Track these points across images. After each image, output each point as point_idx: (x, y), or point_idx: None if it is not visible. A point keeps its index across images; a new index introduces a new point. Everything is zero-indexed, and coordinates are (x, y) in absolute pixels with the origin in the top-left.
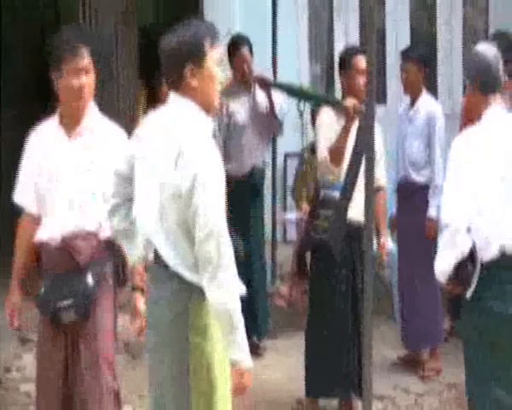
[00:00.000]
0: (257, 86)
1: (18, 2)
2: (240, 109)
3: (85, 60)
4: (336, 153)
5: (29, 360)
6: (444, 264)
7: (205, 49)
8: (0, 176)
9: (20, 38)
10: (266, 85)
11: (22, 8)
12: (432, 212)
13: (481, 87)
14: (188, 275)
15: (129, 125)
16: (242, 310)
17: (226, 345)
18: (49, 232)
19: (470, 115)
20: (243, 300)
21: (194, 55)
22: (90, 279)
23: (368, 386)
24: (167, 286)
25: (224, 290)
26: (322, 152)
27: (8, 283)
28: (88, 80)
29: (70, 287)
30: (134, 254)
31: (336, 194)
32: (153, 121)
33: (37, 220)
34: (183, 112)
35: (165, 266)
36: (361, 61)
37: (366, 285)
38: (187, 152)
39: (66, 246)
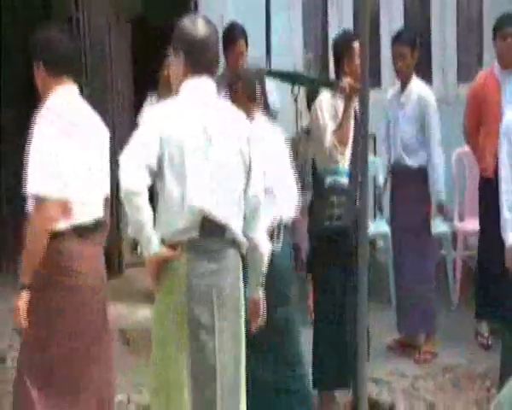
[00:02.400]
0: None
1: (18, 3)
2: None
3: None
4: (341, 135)
5: None
6: None
7: None
8: None
9: (20, 38)
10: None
11: (22, 9)
12: None
13: None
14: (241, 237)
15: (119, 116)
16: None
17: (255, 285)
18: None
19: None
20: None
21: None
22: None
23: (362, 371)
24: (227, 254)
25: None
26: (329, 138)
27: None
28: None
29: None
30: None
31: (344, 179)
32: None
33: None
34: None
35: (221, 236)
36: (358, 46)
37: (361, 270)
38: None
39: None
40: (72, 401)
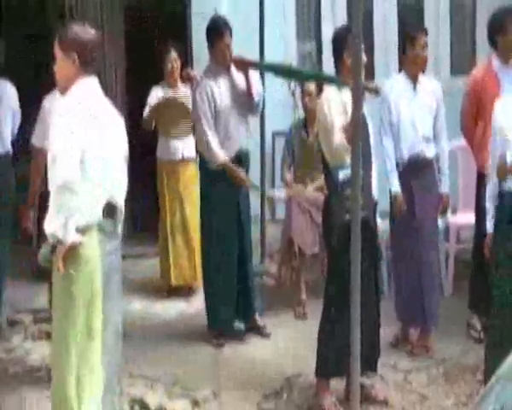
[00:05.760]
0: (233, 68)
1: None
2: (222, 92)
3: None
4: (351, 134)
5: (17, 342)
6: None
7: None
8: None
9: (13, 24)
10: (244, 66)
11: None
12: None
13: None
14: None
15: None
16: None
17: None
18: None
19: None
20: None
21: None
22: None
23: (355, 363)
24: None
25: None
26: (339, 136)
27: None
28: None
29: None
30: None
31: None
32: None
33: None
34: None
35: None
36: None
37: (354, 260)
38: None
39: None
40: None
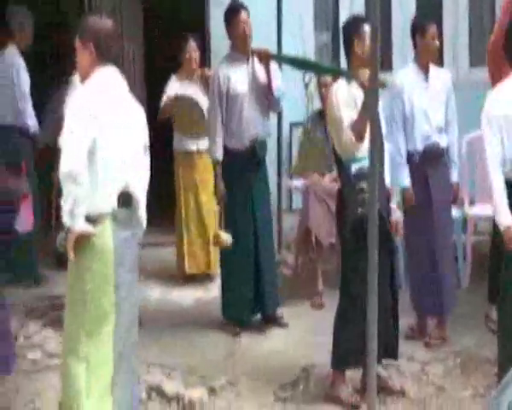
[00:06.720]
0: (256, 59)
1: None
2: (239, 78)
3: None
4: (359, 130)
5: (35, 329)
6: None
7: None
8: None
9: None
10: (266, 59)
11: None
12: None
13: None
14: None
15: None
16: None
17: None
18: None
19: None
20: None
21: None
22: None
23: (372, 355)
24: None
25: None
26: (347, 133)
27: None
28: None
29: None
30: None
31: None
32: None
33: None
34: None
35: None
36: (368, 30)
37: (371, 250)
38: None
39: None
40: None
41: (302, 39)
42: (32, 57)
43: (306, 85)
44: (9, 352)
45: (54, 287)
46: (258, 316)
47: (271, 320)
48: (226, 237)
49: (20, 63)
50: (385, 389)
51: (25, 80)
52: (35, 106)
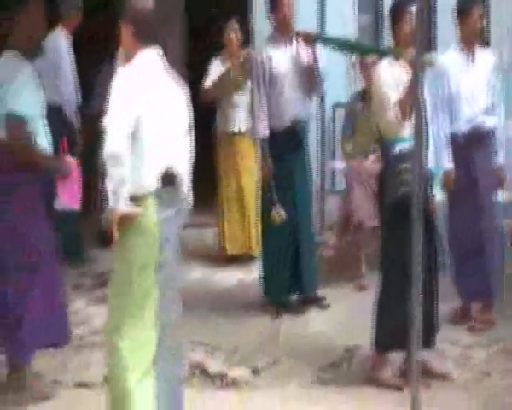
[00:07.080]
0: (300, 41)
1: None
2: (280, 59)
3: None
4: (404, 108)
5: (81, 305)
6: None
7: None
8: None
9: None
10: (311, 41)
11: None
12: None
13: None
14: None
15: None
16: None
17: None
18: None
19: None
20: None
21: None
22: None
23: (415, 336)
24: None
25: None
26: (393, 110)
27: None
28: None
29: None
30: None
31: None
32: None
33: None
34: None
35: None
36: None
37: (416, 234)
38: None
39: None
40: None
41: (344, 21)
42: (82, 38)
43: (354, 65)
44: (67, 324)
45: (98, 265)
46: (301, 298)
47: (311, 302)
48: (282, 213)
49: (63, 45)
50: (427, 373)
51: (67, 62)
52: (84, 84)
